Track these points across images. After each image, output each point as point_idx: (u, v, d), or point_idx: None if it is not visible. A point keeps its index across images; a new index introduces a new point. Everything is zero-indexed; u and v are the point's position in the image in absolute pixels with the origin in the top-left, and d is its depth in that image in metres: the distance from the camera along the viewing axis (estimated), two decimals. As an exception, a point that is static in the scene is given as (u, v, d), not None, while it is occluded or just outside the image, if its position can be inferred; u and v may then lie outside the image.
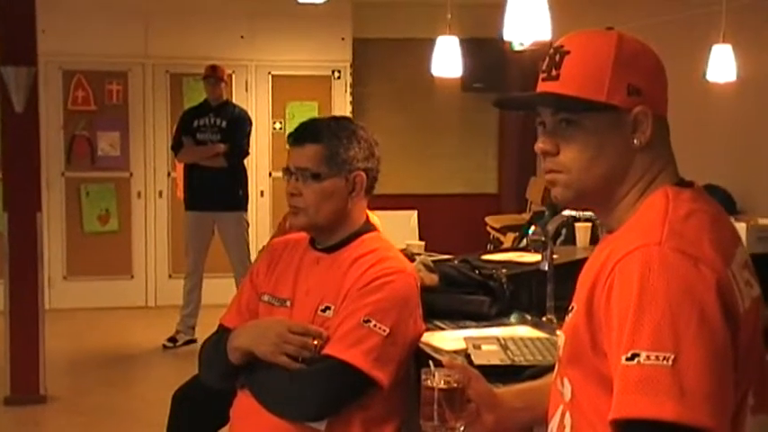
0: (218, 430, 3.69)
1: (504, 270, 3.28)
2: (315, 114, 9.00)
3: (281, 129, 9.00)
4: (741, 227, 4.26)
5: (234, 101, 7.83)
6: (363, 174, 2.64)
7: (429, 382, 1.86)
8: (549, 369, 2.15)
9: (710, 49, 4.86)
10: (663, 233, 1.57)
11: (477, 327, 2.86)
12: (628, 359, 1.50)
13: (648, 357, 1.48)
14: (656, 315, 1.50)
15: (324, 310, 2.58)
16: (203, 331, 7.28)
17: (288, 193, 2.67)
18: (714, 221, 1.63)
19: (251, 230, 7.59)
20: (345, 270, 2.60)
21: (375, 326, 2.49)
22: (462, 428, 1.86)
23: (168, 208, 8.76)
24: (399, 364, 2.54)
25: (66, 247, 8.64)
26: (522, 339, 2.57)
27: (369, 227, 2.71)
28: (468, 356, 2.45)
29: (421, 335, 2.62)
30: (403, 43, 9.53)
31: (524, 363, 2.31)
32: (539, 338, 2.61)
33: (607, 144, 1.68)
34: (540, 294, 3.50)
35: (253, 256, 7.44)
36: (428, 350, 2.60)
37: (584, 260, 4.08)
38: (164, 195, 8.78)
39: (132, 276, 8.77)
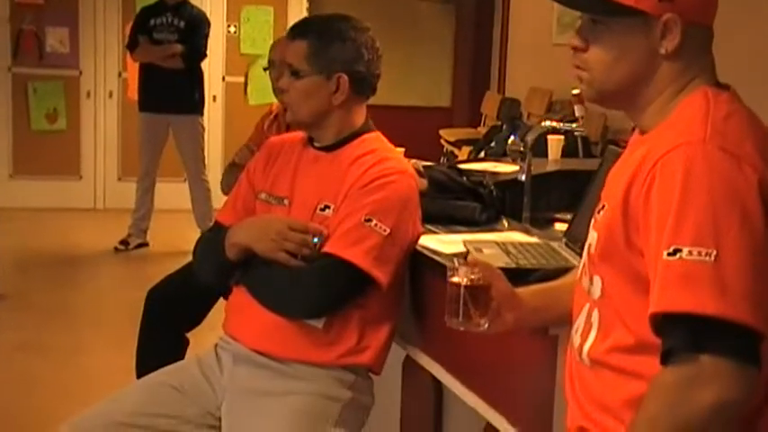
0: (191, 329, 3.69)
1: (490, 177, 3.28)
2: (270, 20, 8.87)
3: (235, 33, 8.85)
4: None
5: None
6: (346, 75, 2.59)
7: (455, 278, 1.86)
8: (556, 273, 2.19)
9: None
10: (706, 131, 1.57)
11: (470, 232, 2.86)
12: (669, 254, 1.51)
13: (690, 253, 1.50)
14: (698, 211, 1.51)
15: (323, 209, 2.57)
16: (155, 235, 7.28)
17: (278, 88, 2.67)
18: (752, 122, 1.65)
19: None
20: (345, 169, 2.57)
21: (376, 225, 2.48)
22: (486, 325, 1.88)
23: (118, 108, 8.59)
24: (398, 264, 2.54)
25: (12, 144, 8.46)
26: (521, 244, 2.58)
27: (368, 127, 2.69)
28: (467, 257, 2.45)
29: (419, 237, 2.62)
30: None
31: (529, 266, 2.32)
32: (537, 243, 2.63)
33: (632, 48, 1.68)
34: (545, 203, 3.53)
35: (206, 161, 7.36)
36: (426, 253, 2.59)
37: (558, 172, 4.14)
38: (114, 96, 8.61)
39: (81, 177, 8.63)
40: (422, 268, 2.62)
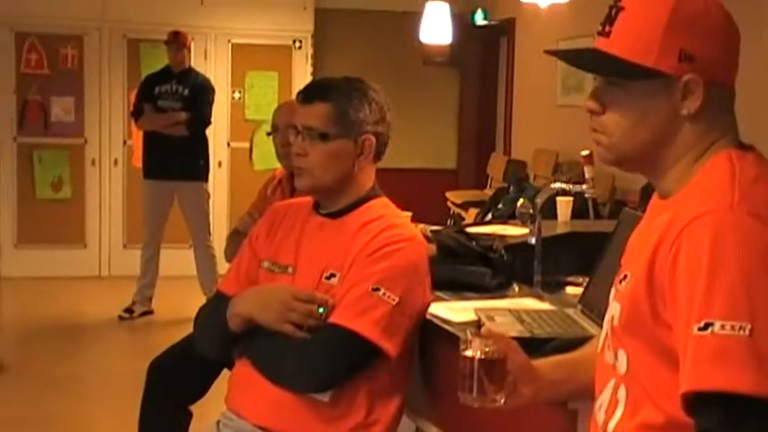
0: (194, 402, 3.59)
1: (499, 241, 3.20)
2: (275, 85, 8.86)
3: (239, 98, 8.84)
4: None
5: (194, 69, 7.66)
6: (373, 137, 2.54)
7: (468, 351, 1.77)
8: (573, 342, 2.09)
9: None
10: (733, 197, 1.49)
11: (480, 298, 2.78)
12: (700, 329, 1.42)
13: (723, 327, 1.41)
14: (730, 282, 1.43)
15: (329, 278, 2.48)
16: (160, 303, 7.19)
17: (293, 153, 2.56)
18: None
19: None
20: (352, 236, 2.50)
21: (384, 294, 2.40)
22: (502, 401, 1.78)
23: (123, 176, 8.55)
24: (407, 334, 2.45)
25: (17, 214, 8.41)
26: (535, 311, 2.50)
27: (376, 192, 2.62)
28: (481, 328, 2.36)
29: (428, 305, 2.53)
30: (366, 15, 9.42)
31: (544, 335, 2.23)
32: (551, 310, 2.54)
33: (652, 111, 1.60)
34: (554, 266, 3.44)
35: (212, 228, 7.30)
36: (437, 321, 2.51)
37: (568, 234, 4.05)
38: (119, 163, 8.57)
39: (85, 245, 8.56)
40: (432, 338, 2.53)
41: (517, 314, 2.43)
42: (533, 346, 2.16)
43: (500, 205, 7.54)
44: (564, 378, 1.88)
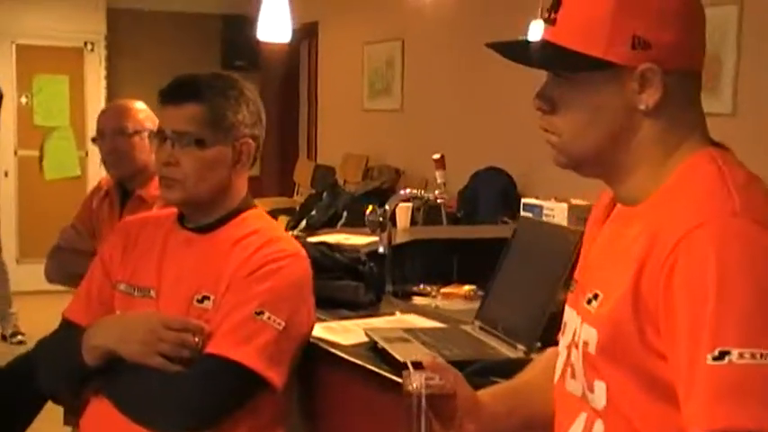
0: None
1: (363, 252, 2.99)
2: (65, 90, 8.32)
3: (27, 103, 8.23)
4: (562, 207, 4.18)
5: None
6: (251, 141, 2.26)
7: (413, 386, 1.52)
8: (497, 366, 1.90)
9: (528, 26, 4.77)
10: (734, 203, 1.30)
11: (357, 316, 2.55)
12: (716, 358, 1.22)
13: (742, 355, 1.21)
14: (744, 302, 1.23)
15: (201, 301, 2.19)
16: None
17: (160, 162, 2.24)
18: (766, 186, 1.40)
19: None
20: (226, 253, 2.21)
21: (269, 318, 2.13)
22: None
23: None
24: (293, 361, 2.19)
25: None
26: (430, 330, 2.29)
27: (249, 203, 2.34)
28: (381, 352, 2.13)
29: (312, 328, 2.27)
30: (162, 16, 9.00)
31: (458, 358, 2.02)
32: (446, 329, 2.34)
33: (605, 107, 1.40)
34: (400, 275, 3.28)
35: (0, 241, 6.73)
36: (324, 345, 2.26)
37: (417, 241, 3.88)
38: None
39: None
40: (317, 363, 2.27)
41: (414, 334, 2.21)
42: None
43: (313, 212, 7.32)
44: (505, 411, 1.65)
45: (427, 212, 5.73)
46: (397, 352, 2.05)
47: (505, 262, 2.30)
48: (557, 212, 4.20)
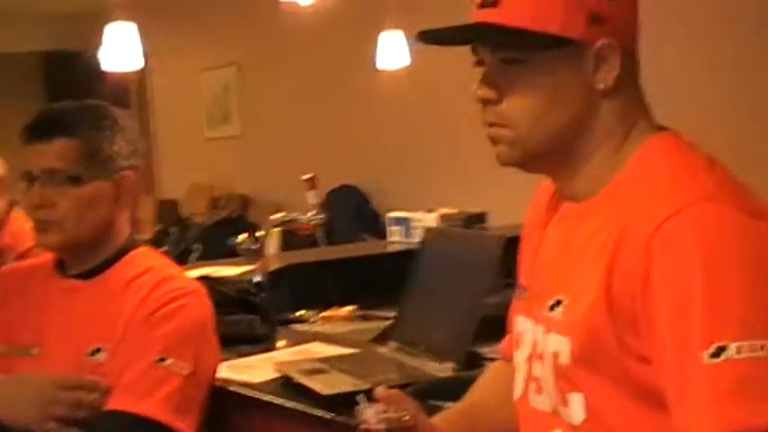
0: None
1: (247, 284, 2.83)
2: None
3: None
4: (431, 218, 4.12)
5: None
6: (131, 173, 2.07)
7: (370, 422, 1.38)
8: (432, 387, 1.78)
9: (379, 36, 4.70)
10: (706, 187, 1.21)
11: (259, 351, 2.40)
12: (713, 355, 1.12)
13: (740, 350, 1.12)
14: (736, 292, 1.14)
15: (93, 354, 1.98)
16: None
17: (30, 205, 2.03)
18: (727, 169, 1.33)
19: None
20: (118, 297, 2.01)
21: (173, 364, 1.94)
22: None
23: None
24: (202, 406, 2.01)
25: None
26: (344, 357, 2.15)
27: (135, 241, 2.14)
28: (299, 387, 1.97)
29: (217, 368, 2.09)
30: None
31: (389, 384, 1.88)
32: (361, 353, 2.20)
33: (564, 88, 1.30)
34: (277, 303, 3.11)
35: None
36: (233, 387, 2.09)
37: (291, 266, 3.74)
38: None
39: None
40: (225, 406, 2.09)
41: (330, 364, 2.07)
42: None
43: (165, 248, 7.07)
44: None
45: (287, 237, 5.57)
46: (319, 385, 1.90)
47: (415, 278, 2.18)
48: (426, 223, 4.15)
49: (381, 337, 2.30)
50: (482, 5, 1.31)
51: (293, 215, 3.57)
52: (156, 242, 7.29)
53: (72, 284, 2.07)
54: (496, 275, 1.92)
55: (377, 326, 3.25)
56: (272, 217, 3.50)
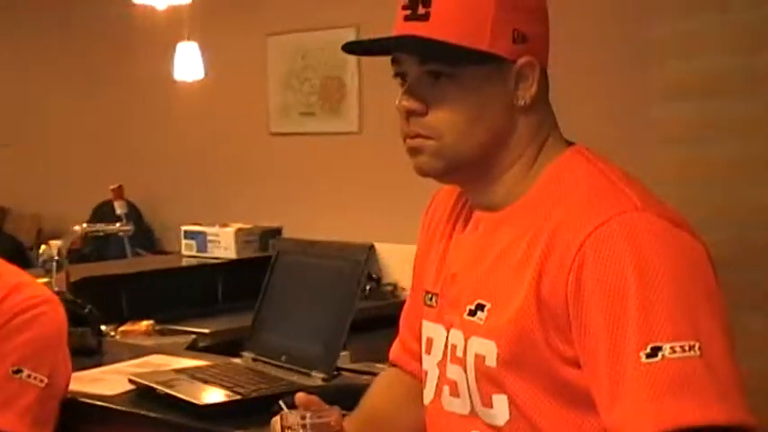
0: None
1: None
2: None
3: None
4: (228, 232, 4.10)
5: None
6: None
7: (294, 427, 1.38)
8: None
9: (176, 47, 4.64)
10: (632, 198, 1.30)
11: (94, 363, 2.32)
12: (648, 356, 1.20)
13: (674, 350, 1.20)
14: (668, 295, 1.23)
15: (-58, 365, 1.87)
16: None
17: None
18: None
19: None
20: (-35, 307, 1.90)
21: (30, 376, 1.87)
22: None
23: None
24: (56, 420, 1.93)
25: None
26: (204, 368, 2.12)
27: (-19, 247, 2.03)
28: (165, 398, 1.94)
29: (69, 380, 2.02)
30: None
31: (257, 394, 1.88)
32: (217, 364, 2.18)
33: (488, 103, 1.36)
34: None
35: None
36: (83, 399, 2.02)
37: (89, 279, 3.63)
38: None
39: None
40: (77, 419, 2.02)
41: (191, 375, 2.04)
42: (252, 408, 1.83)
43: None
44: None
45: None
46: (190, 395, 1.88)
47: (270, 289, 2.18)
48: (222, 238, 4.14)
49: (231, 348, 2.29)
50: (410, 18, 1.36)
51: (99, 226, 3.48)
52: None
53: None
54: (363, 283, 1.96)
55: (184, 339, 3.24)
56: (75, 227, 3.38)
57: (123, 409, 1.97)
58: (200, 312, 3.67)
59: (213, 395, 1.88)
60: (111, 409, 1.98)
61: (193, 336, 3.31)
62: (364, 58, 5.40)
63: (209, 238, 4.14)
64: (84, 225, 3.36)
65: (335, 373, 1.96)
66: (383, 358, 2.10)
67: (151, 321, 3.32)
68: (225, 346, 2.73)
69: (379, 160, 5.34)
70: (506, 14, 1.34)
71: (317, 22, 5.51)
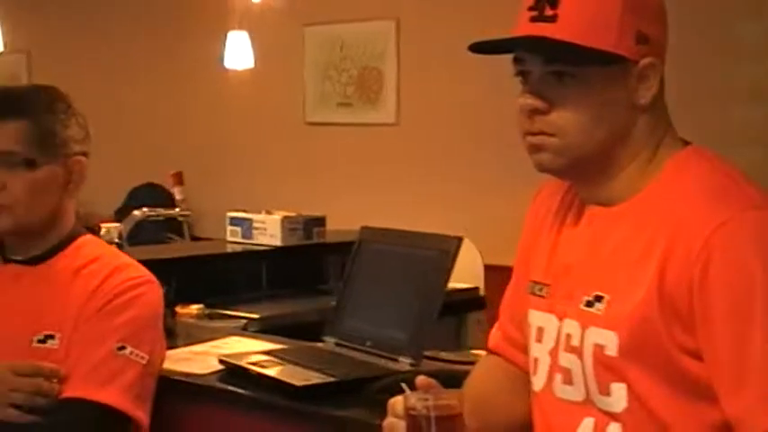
0: None
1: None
2: None
3: None
4: (275, 219, 4.15)
5: None
6: (83, 158, 2.04)
7: (419, 407, 1.44)
8: (406, 381, 1.86)
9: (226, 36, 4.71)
10: (752, 196, 1.37)
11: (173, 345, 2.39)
12: None
13: None
14: None
15: (43, 341, 1.94)
16: None
17: None
18: None
19: None
20: (66, 285, 1.98)
21: (132, 353, 1.94)
22: None
23: None
24: (153, 396, 2.00)
25: None
26: (290, 351, 2.19)
27: (81, 228, 2.10)
28: (258, 377, 2.01)
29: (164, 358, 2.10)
30: None
31: (353, 376, 1.95)
32: (301, 347, 2.25)
33: (610, 102, 1.43)
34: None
35: None
36: (177, 377, 2.09)
37: (157, 261, 3.69)
38: None
39: None
40: (166, 397, 2.09)
41: (278, 356, 2.11)
42: (346, 390, 1.90)
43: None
44: (477, 427, 1.60)
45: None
46: (285, 376, 1.95)
47: (353, 276, 2.24)
48: (268, 225, 4.19)
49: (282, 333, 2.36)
50: (537, 19, 1.42)
51: (159, 210, 3.55)
52: None
53: (17, 270, 2.02)
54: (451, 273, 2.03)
55: (235, 324, 3.30)
56: (135, 212, 3.46)
57: (218, 386, 2.04)
58: (245, 298, 3.73)
59: (308, 377, 1.94)
60: (205, 387, 2.04)
61: (244, 320, 3.38)
62: (404, 50, 5.49)
63: (254, 224, 4.19)
64: (145, 209, 3.45)
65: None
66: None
67: (201, 305, 3.38)
68: (274, 330, 2.78)
69: (417, 152, 5.41)
70: (631, 16, 1.40)
71: (356, 13, 5.57)
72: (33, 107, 1.98)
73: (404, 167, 5.43)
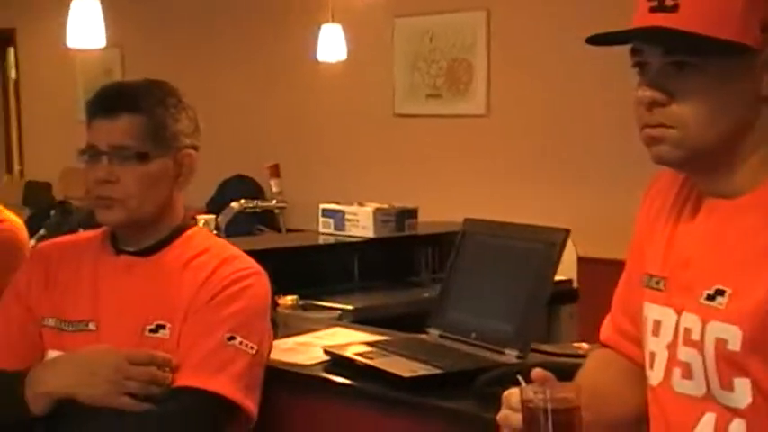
0: None
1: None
2: None
3: None
4: (366, 211, 4.17)
5: None
6: (193, 152, 2.08)
7: (536, 400, 1.44)
8: (512, 373, 1.85)
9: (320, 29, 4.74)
10: None
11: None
12: None
13: None
14: None
15: (155, 330, 1.98)
16: None
17: (95, 180, 2.00)
18: None
19: None
20: (177, 276, 2.01)
21: (241, 343, 1.96)
22: None
23: None
24: (261, 386, 2.03)
25: None
26: (394, 342, 2.20)
27: (190, 220, 2.14)
28: (364, 369, 2.02)
29: (271, 348, 2.12)
30: None
31: (459, 368, 1.96)
32: (406, 338, 2.26)
33: (733, 93, 1.39)
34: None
35: None
36: (283, 367, 2.12)
37: (252, 252, 3.74)
38: None
39: None
40: (272, 387, 2.11)
41: (383, 348, 2.12)
42: (452, 382, 1.90)
43: (42, 232, 6.84)
44: (593, 419, 1.60)
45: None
46: (392, 367, 1.96)
47: (456, 269, 2.25)
48: (360, 217, 4.20)
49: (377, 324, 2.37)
50: (657, 9, 1.39)
51: (256, 202, 3.58)
52: (33, 224, 7.04)
53: (129, 261, 2.05)
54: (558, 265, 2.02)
55: (329, 315, 3.33)
56: (233, 204, 3.50)
57: (324, 376, 2.05)
58: (338, 289, 3.76)
59: (414, 368, 1.95)
60: (311, 377, 2.07)
61: (338, 311, 3.40)
62: (495, 41, 5.47)
63: (347, 216, 4.21)
64: (242, 201, 3.49)
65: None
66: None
67: (295, 296, 3.41)
68: (367, 322, 2.79)
69: (507, 143, 5.39)
70: (755, 3, 1.36)
71: (446, 4, 5.56)
72: (146, 102, 2.02)
73: (493, 159, 5.41)
